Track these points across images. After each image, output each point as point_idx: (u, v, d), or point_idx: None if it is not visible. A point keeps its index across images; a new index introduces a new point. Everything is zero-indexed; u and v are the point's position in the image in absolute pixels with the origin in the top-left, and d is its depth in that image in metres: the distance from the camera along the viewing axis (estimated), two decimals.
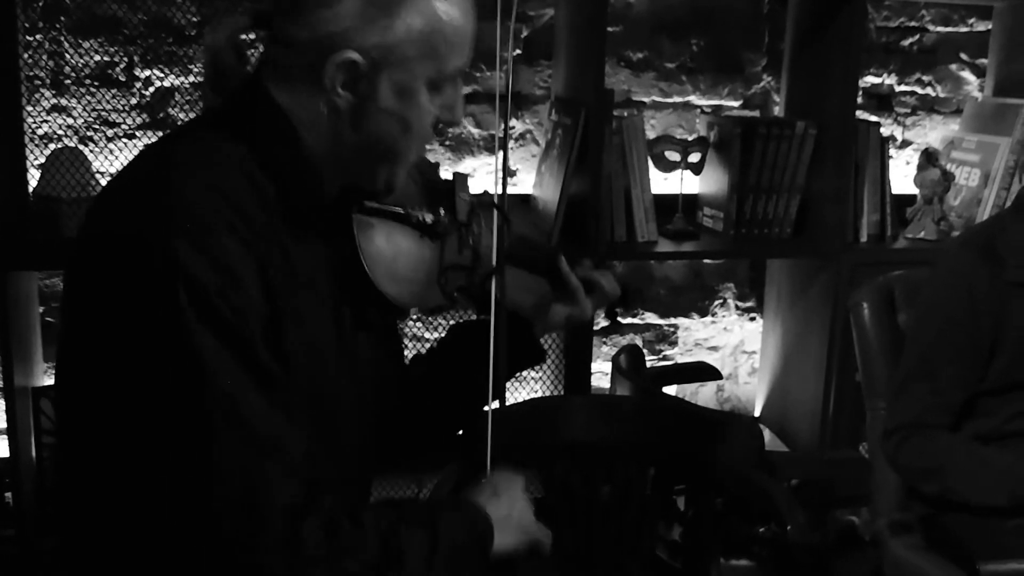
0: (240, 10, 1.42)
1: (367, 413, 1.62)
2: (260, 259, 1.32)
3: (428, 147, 2.96)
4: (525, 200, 3.12)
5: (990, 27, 3.54)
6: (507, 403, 1.78)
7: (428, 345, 2.03)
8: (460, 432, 1.92)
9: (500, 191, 1.65)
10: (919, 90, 3.56)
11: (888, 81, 3.53)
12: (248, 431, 1.27)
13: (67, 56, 2.86)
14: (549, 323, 1.83)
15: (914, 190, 3.24)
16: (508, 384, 3.22)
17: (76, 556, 1.44)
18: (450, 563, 1.43)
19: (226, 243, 1.28)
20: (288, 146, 1.40)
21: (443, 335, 1.89)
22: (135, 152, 1.72)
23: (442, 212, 1.57)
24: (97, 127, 2.91)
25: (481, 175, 3.20)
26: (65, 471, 1.44)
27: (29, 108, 2.82)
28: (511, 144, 3.22)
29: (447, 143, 3.16)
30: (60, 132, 2.88)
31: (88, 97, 2.88)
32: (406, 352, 1.90)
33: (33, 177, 2.78)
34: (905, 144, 3.57)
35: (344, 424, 1.55)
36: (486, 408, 1.62)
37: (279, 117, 1.40)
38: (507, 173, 1.70)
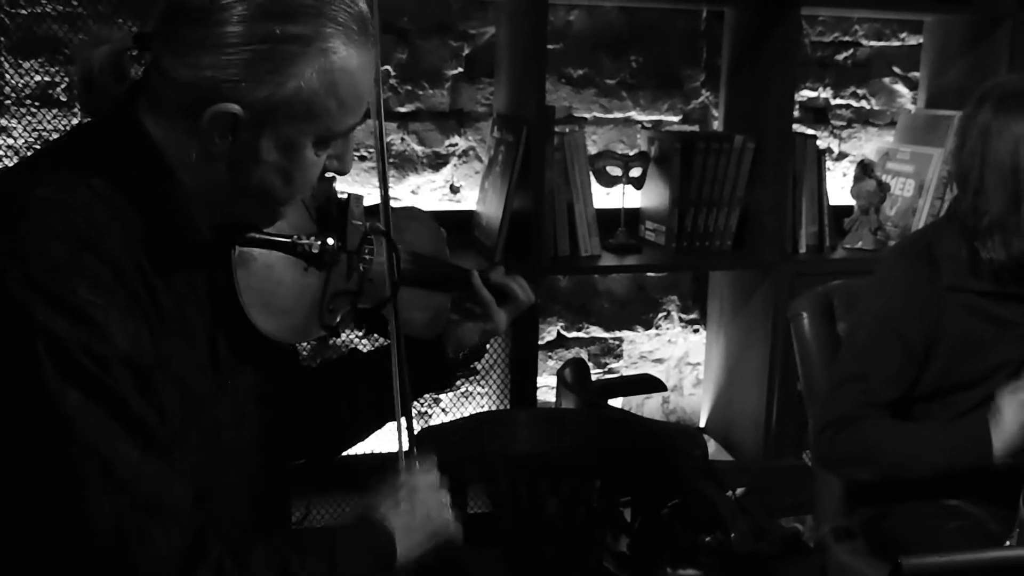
0: (119, 27, 1.29)
1: (252, 446, 1.54)
2: (123, 304, 1.24)
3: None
4: (468, 216, 3.14)
5: (921, 41, 3.61)
6: (417, 423, 1.71)
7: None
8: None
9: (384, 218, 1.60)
10: (854, 103, 3.62)
11: (824, 95, 3.59)
12: (120, 486, 1.20)
13: (7, 76, 2.84)
14: (462, 340, 1.77)
15: (851, 201, 3.29)
16: (452, 397, 3.25)
17: None
18: None
19: (84, 293, 1.20)
20: (158, 182, 1.30)
21: (342, 354, 1.83)
22: None
23: (331, 241, 1.46)
24: (38, 148, 2.89)
25: (425, 192, 3.21)
26: None
27: None
28: (454, 161, 3.24)
29: (391, 160, 3.17)
30: (0, 153, 2.86)
31: (29, 118, 2.87)
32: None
33: None
34: (841, 156, 3.63)
35: (226, 461, 1.47)
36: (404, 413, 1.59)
37: (151, 151, 1.29)
38: (386, 195, 1.61)
